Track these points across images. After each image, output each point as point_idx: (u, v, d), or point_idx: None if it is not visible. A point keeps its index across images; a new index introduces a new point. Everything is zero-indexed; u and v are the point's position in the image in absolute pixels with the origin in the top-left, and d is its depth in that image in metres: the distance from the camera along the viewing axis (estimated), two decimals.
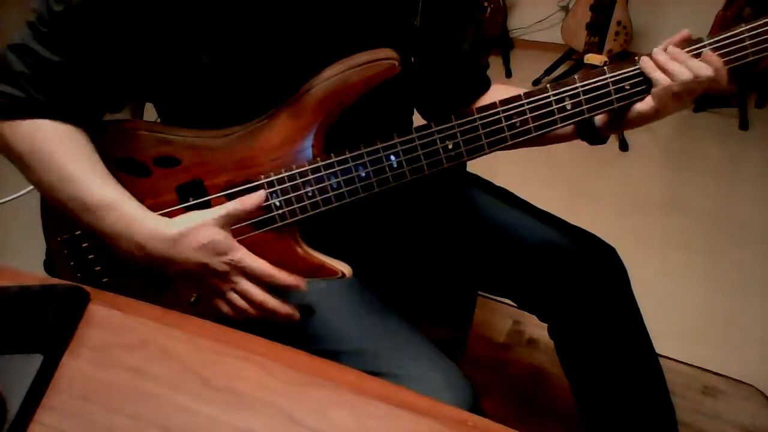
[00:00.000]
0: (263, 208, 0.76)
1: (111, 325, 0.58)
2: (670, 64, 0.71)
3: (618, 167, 2.25)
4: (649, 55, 0.73)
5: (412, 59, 0.78)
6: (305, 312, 0.78)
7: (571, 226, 0.92)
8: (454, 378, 0.72)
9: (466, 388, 0.72)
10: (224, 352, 0.55)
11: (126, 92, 0.78)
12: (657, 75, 0.72)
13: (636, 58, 0.74)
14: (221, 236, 0.70)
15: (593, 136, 0.83)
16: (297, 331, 0.77)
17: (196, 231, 0.69)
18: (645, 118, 0.76)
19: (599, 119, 0.81)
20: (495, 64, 2.80)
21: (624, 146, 2.31)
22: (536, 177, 2.17)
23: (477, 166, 1.06)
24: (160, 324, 0.58)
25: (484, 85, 0.93)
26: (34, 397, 0.52)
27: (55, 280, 0.64)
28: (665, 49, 0.73)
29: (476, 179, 1.00)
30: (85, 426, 0.51)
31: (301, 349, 0.57)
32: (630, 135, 2.32)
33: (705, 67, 0.71)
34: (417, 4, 0.77)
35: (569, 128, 0.84)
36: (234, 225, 0.73)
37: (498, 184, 0.99)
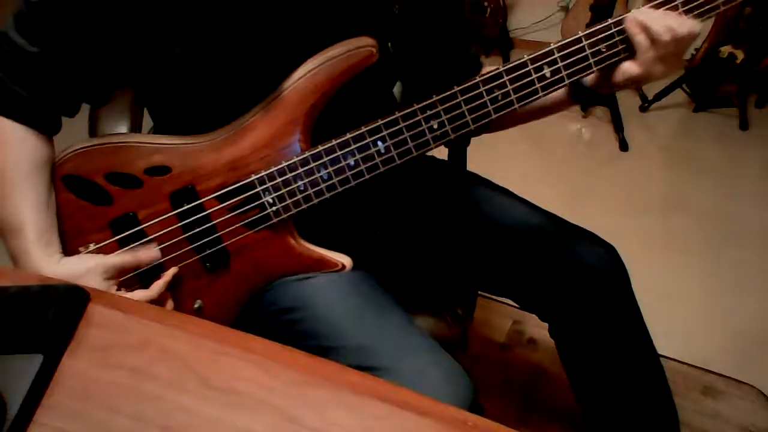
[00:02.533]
0: (257, 207, 0.76)
1: (111, 325, 0.58)
2: (651, 23, 0.71)
3: (618, 167, 2.25)
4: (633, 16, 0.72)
5: (389, 45, 0.78)
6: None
7: (572, 225, 0.92)
8: (453, 373, 0.72)
9: (465, 383, 0.72)
10: (224, 352, 0.55)
11: (100, 86, 0.78)
12: (640, 38, 0.71)
13: (610, 20, 0.72)
14: (102, 287, 0.71)
15: (587, 96, 0.82)
16: (295, 327, 0.78)
17: (77, 280, 0.69)
18: (635, 81, 0.75)
19: (590, 83, 0.80)
20: (495, 64, 2.80)
21: (624, 146, 2.31)
22: (536, 176, 2.17)
23: (477, 165, 1.06)
24: (161, 324, 0.58)
25: (474, 72, 0.93)
26: (34, 397, 0.52)
27: (55, 280, 0.64)
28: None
29: (476, 178, 1.00)
30: (85, 426, 0.51)
31: (300, 344, 0.57)
32: (630, 135, 2.32)
33: (686, 22, 0.71)
34: None
35: (561, 94, 0.83)
36: (121, 277, 0.75)
37: (498, 184, 0.99)
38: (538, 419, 1.37)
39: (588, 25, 2.58)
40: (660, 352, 0.93)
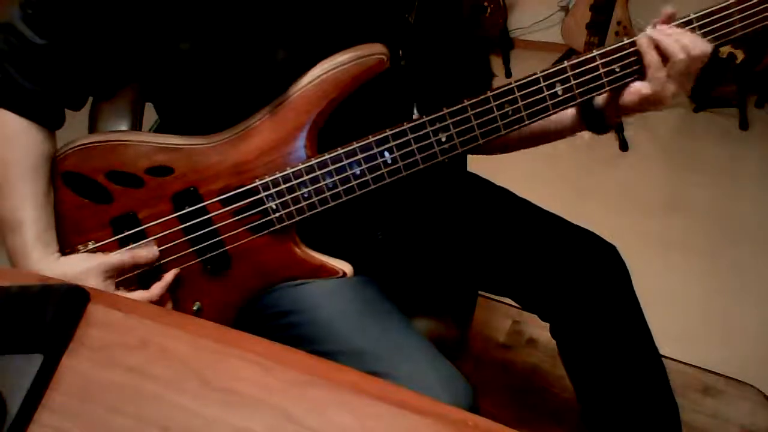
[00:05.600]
0: (260, 212, 0.75)
1: (111, 325, 0.58)
2: (664, 40, 0.70)
3: (618, 167, 2.25)
4: (645, 34, 0.72)
5: (401, 53, 0.78)
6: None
7: (572, 225, 0.92)
8: (452, 379, 0.72)
9: (464, 389, 0.72)
10: (224, 352, 0.55)
11: (107, 80, 0.78)
12: (651, 56, 0.71)
13: (626, 38, 0.72)
14: (102, 287, 0.71)
15: (598, 123, 0.82)
16: (294, 331, 0.77)
17: (76, 278, 0.69)
18: (648, 102, 0.74)
19: (601, 104, 0.80)
20: (495, 64, 2.79)
21: (624, 146, 2.31)
22: (537, 177, 2.17)
23: (478, 166, 1.06)
24: (161, 324, 0.58)
25: (486, 83, 0.93)
26: (34, 397, 0.52)
27: (55, 280, 0.64)
28: (655, 26, 0.72)
29: (476, 179, 1.00)
30: (85, 426, 0.51)
31: (298, 348, 0.57)
32: (630, 135, 2.32)
33: (700, 42, 0.71)
34: (413, 1, 0.77)
35: (572, 119, 0.83)
36: (120, 277, 0.74)
37: (498, 184, 0.99)
38: (538, 419, 1.37)
39: (588, 26, 2.56)
40: (660, 352, 0.93)
